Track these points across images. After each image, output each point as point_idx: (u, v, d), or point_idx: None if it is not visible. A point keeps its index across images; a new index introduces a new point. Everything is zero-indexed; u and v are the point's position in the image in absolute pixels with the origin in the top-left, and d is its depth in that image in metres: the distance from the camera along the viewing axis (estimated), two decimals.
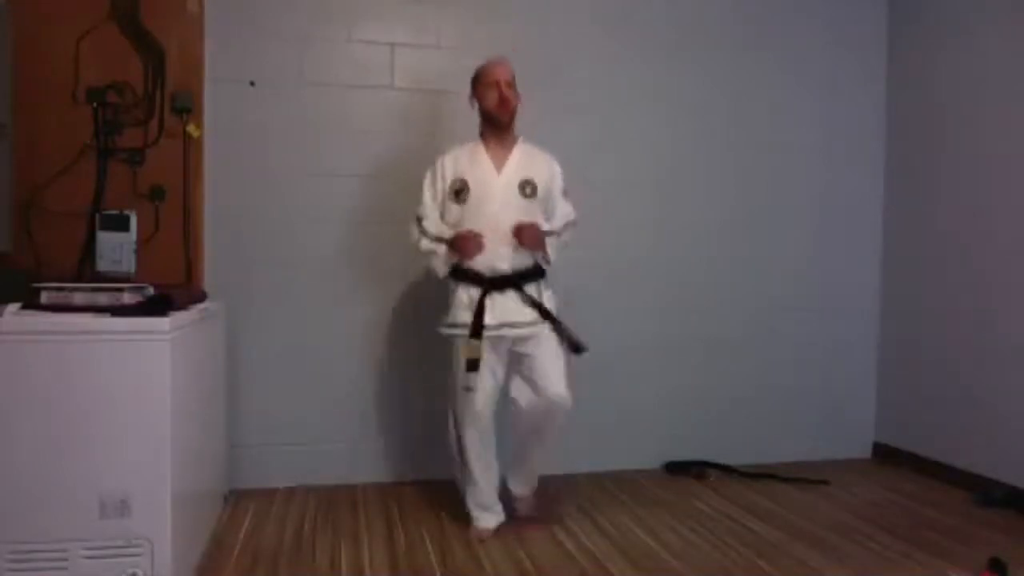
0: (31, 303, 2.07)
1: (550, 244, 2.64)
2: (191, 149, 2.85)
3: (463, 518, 2.73)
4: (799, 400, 3.66)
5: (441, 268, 2.64)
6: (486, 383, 2.58)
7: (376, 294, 3.21)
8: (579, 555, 2.48)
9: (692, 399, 3.51)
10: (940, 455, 3.39)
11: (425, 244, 2.63)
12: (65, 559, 1.95)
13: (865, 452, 3.76)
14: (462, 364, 2.55)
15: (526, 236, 2.54)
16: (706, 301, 3.54)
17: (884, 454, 3.70)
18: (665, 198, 3.48)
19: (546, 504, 2.87)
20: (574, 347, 2.61)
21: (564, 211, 2.71)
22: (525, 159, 2.64)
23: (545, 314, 2.58)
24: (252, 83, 3.05)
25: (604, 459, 3.40)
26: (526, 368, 2.60)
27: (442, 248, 2.60)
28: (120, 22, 2.74)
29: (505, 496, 2.77)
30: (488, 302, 2.54)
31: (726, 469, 3.42)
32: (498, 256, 2.55)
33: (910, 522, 2.84)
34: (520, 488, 2.79)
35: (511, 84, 2.61)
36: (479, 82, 2.64)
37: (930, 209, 3.50)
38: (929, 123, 3.51)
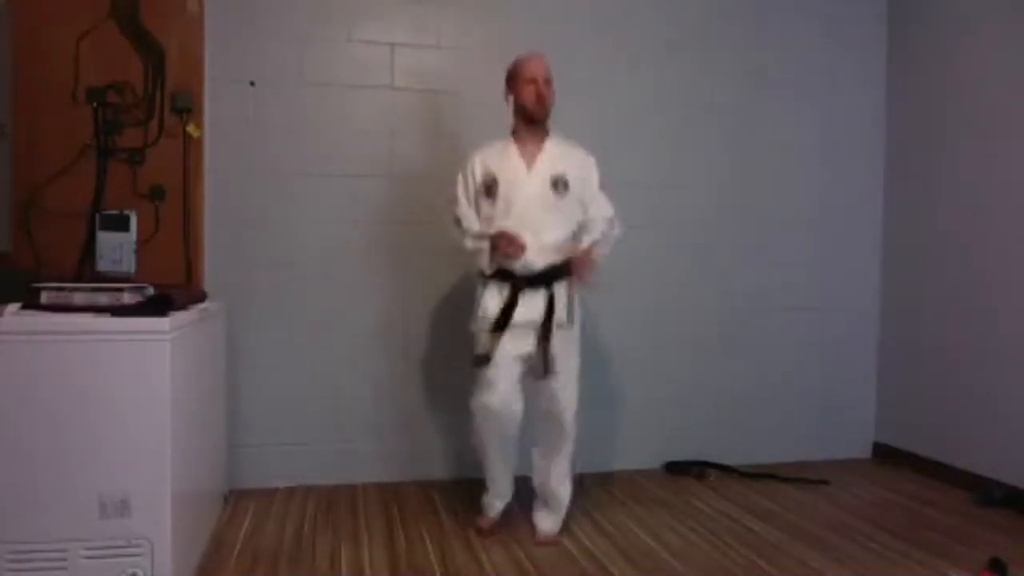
0: (31, 303, 2.07)
1: (597, 252, 2.58)
2: (191, 149, 2.85)
3: (463, 518, 2.74)
4: (799, 400, 3.66)
5: (488, 266, 2.56)
6: (506, 380, 2.52)
7: (376, 294, 3.21)
8: (579, 555, 2.48)
9: (692, 399, 3.51)
10: (940, 455, 3.39)
11: (470, 243, 2.58)
12: (65, 559, 1.95)
13: (865, 452, 3.76)
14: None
15: (582, 271, 2.51)
16: (706, 301, 3.54)
17: (884, 454, 3.70)
18: (665, 198, 3.48)
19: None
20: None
21: (601, 205, 2.63)
22: (557, 155, 2.59)
23: (547, 324, 2.52)
24: (252, 83, 3.05)
25: (604, 459, 3.40)
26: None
27: (486, 245, 2.53)
28: (120, 22, 2.74)
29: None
30: (520, 300, 2.51)
31: (726, 469, 3.42)
32: (530, 253, 2.49)
33: (910, 522, 2.84)
34: (545, 523, 2.65)
35: (549, 81, 2.57)
36: (516, 78, 2.59)
37: (930, 209, 3.50)
38: (929, 123, 3.51)
